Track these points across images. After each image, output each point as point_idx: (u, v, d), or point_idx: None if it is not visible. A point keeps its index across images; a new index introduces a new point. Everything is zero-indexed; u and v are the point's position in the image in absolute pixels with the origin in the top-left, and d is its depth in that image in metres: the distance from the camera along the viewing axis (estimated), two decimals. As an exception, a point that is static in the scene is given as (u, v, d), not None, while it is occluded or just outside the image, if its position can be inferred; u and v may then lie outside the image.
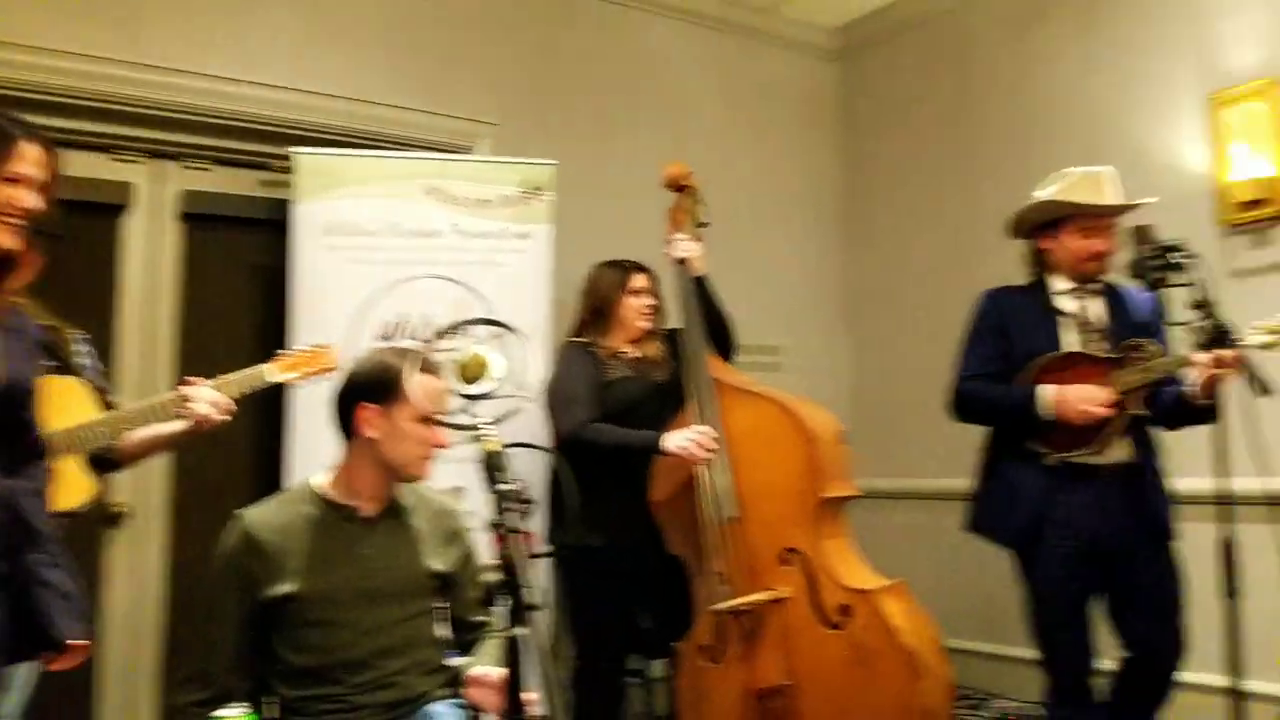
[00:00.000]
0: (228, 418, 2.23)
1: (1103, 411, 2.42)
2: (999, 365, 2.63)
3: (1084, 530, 2.49)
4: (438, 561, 2.11)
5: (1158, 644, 2.47)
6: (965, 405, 2.69)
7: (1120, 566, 2.51)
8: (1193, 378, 2.39)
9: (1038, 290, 2.67)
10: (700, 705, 2.71)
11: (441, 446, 2.03)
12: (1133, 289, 2.65)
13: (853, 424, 2.88)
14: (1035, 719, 3.66)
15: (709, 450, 2.70)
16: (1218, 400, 2.23)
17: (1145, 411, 2.45)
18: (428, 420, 1.99)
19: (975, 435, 4.29)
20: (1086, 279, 2.61)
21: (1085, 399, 2.43)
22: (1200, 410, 2.42)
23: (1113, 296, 2.66)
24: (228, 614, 1.97)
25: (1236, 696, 2.14)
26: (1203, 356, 2.29)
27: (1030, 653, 3.94)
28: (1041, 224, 2.66)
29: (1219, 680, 2.29)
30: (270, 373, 2.33)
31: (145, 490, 3.27)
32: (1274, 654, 2.75)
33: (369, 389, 2.01)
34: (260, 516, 2.02)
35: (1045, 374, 2.53)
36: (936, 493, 4.43)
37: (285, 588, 1.95)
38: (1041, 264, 2.68)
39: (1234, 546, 2.15)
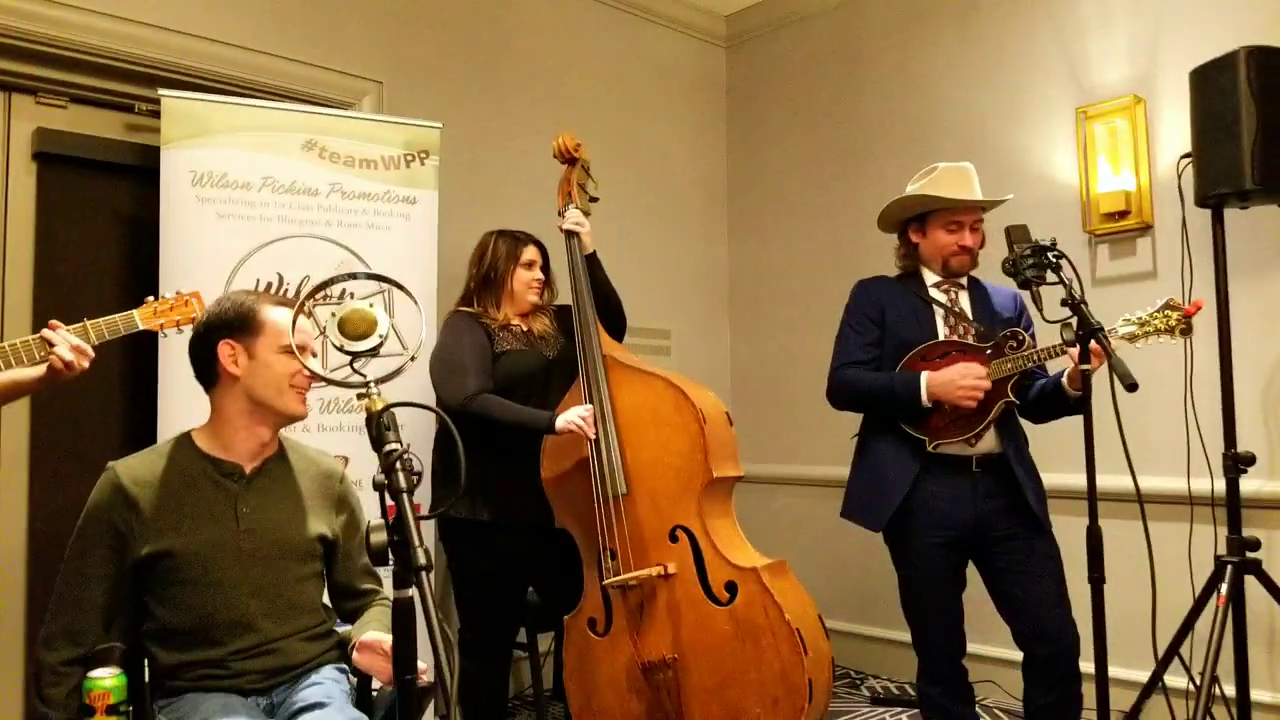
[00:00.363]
0: (86, 365, 2.12)
1: (983, 386, 2.49)
2: (874, 353, 2.70)
3: (953, 521, 2.57)
4: (321, 525, 2.04)
5: (1052, 633, 2.52)
6: (842, 392, 2.73)
7: (996, 556, 2.59)
8: (1068, 370, 2.51)
9: (910, 281, 2.75)
10: (586, 677, 2.70)
11: (311, 379, 1.97)
12: (995, 286, 2.78)
13: (732, 411, 2.91)
14: (906, 700, 3.82)
15: (592, 427, 2.69)
16: (1087, 393, 2.34)
17: (1015, 400, 2.54)
18: (290, 351, 1.92)
19: (851, 424, 4.45)
20: (953, 273, 2.71)
21: (966, 375, 2.50)
22: (1073, 402, 2.53)
23: (977, 290, 2.77)
24: (98, 571, 1.86)
25: (1102, 683, 2.24)
26: (1074, 349, 2.38)
27: (901, 634, 4.13)
28: (910, 218, 2.74)
29: (1087, 667, 2.39)
30: (139, 319, 2.25)
31: (5, 439, 3.06)
32: (1133, 641, 2.88)
33: (225, 326, 1.96)
34: (133, 469, 1.92)
35: (923, 362, 2.61)
36: (811, 479, 4.55)
37: (159, 545, 1.86)
38: (913, 256, 2.76)
39: (1100, 536, 2.24)
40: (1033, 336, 2.58)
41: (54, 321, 2.13)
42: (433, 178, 3.49)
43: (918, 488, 2.58)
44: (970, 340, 2.63)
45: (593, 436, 2.70)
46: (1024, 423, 2.74)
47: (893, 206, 2.75)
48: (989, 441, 2.59)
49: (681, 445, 2.68)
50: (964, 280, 2.75)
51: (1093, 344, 2.30)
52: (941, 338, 2.65)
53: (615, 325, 3.03)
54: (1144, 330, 2.42)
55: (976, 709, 2.77)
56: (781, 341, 4.77)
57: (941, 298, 2.69)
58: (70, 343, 2.09)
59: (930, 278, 2.73)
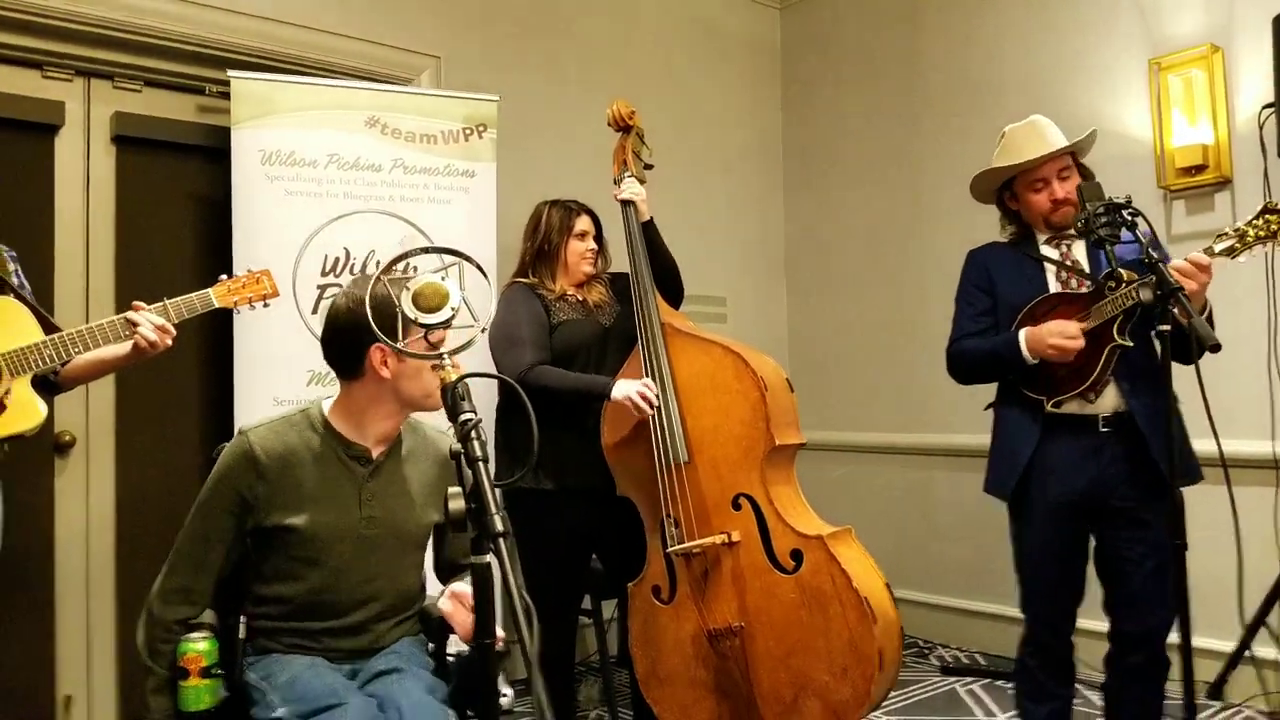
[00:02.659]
0: (169, 342, 2.23)
1: (1073, 343, 2.37)
2: (986, 321, 2.61)
3: (1071, 482, 2.46)
4: (435, 512, 2.05)
5: (1140, 610, 2.44)
6: (957, 366, 2.65)
7: (1107, 525, 2.49)
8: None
9: (1021, 242, 2.66)
10: (652, 644, 2.73)
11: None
12: (1147, 230, 2.47)
13: (790, 377, 2.89)
14: (976, 669, 3.81)
15: (651, 405, 2.69)
16: (1201, 324, 2.19)
17: (1128, 343, 2.36)
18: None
19: (912, 390, 4.40)
20: (1060, 226, 2.57)
21: (1053, 331, 2.40)
22: (1195, 336, 2.24)
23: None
24: (220, 535, 1.90)
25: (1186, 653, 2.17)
26: (1179, 264, 2.21)
27: (969, 603, 4.12)
28: (999, 188, 2.66)
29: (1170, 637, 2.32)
30: (215, 297, 2.34)
31: (91, 417, 3.20)
32: (1219, 610, 2.78)
33: (378, 329, 1.89)
34: (265, 439, 1.92)
35: (1032, 320, 2.51)
36: (874, 446, 4.53)
37: (283, 519, 1.88)
38: (1018, 221, 2.67)
39: (1181, 502, 2.16)
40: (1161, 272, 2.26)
41: (137, 303, 2.23)
42: (491, 150, 3.52)
43: (1040, 451, 2.49)
44: (1083, 291, 2.50)
45: (649, 414, 2.70)
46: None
47: (975, 185, 2.67)
48: (1111, 398, 2.44)
49: (743, 412, 2.67)
50: (1078, 228, 2.54)
51: (1191, 262, 2.20)
52: (1053, 292, 2.54)
53: (673, 293, 3.03)
54: (1244, 242, 2.24)
55: (1074, 689, 2.64)
56: (840, 306, 4.73)
57: (1053, 253, 2.58)
58: (153, 322, 2.20)
59: (1041, 236, 2.62)
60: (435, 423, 2.11)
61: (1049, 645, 2.56)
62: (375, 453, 1.98)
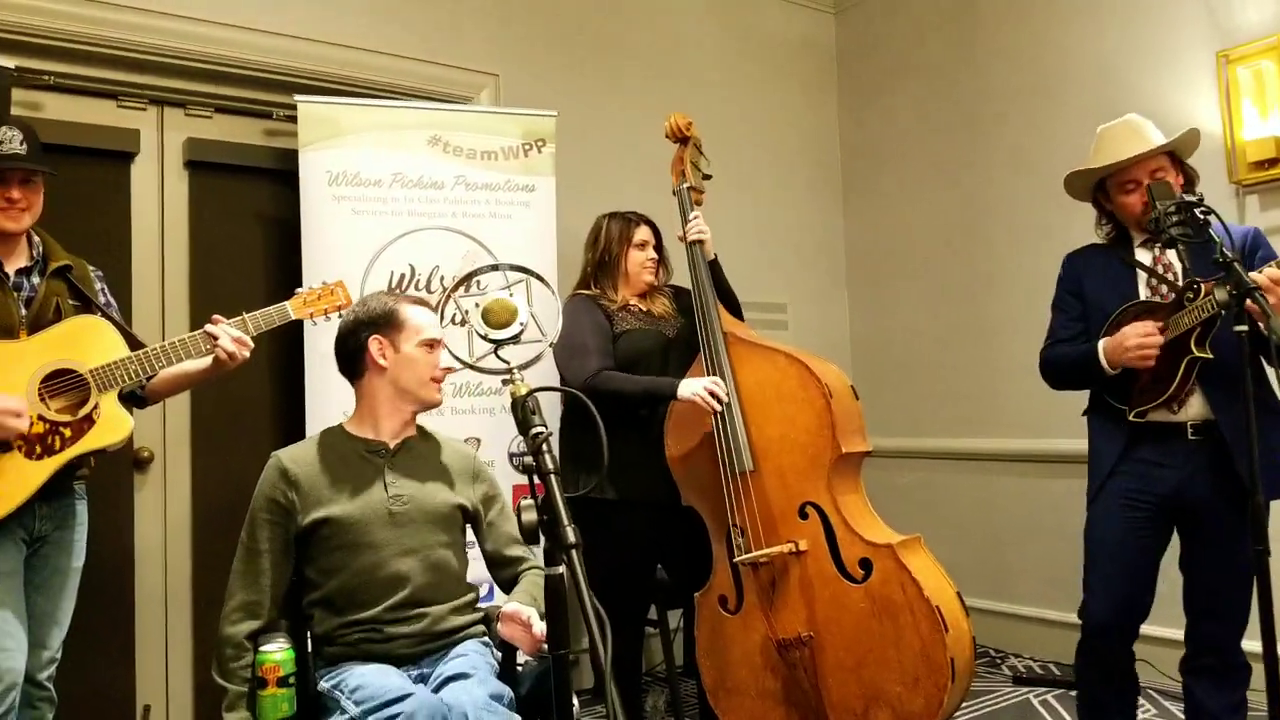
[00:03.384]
0: (246, 355, 2.34)
1: (1149, 343, 2.32)
2: (1078, 327, 2.57)
3: (1152, 487, 2.42)
4: (460, 496, 2.20)
5: (1215, 612, 2.41)
6: (1048, 373, 2.63)
7: (1193, 531, 2.45)
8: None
9: (1116, 246, 2.59)
10: (720, 655, 2.73)
11: (448, 370, 2.20)
12: (1220, 228, 2.38)
13: (854, 383, 2.87)
14: (1050, 679, 3.73)
15: (720, 401, 2.69)
16: (1244, 356, 2.16)
17: (1207, 355, 2.30)
18: (430, 345, 2.17)
19: (980, 394, 4.33)
20: (1149, 230, 2.48)
21: (1130, 336, 2.35)
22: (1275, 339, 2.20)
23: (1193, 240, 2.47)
24: (267, 546, 2.05)
25: (1271, 662, 2.10)
26: (1258, 277, 2.13)
27: (1041, 612, 4.04)
28: (1094, 188, 2.60)
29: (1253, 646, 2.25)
30: (291, 309, 2.44)
31: (169, 434, 3.31)
32: None
33: (373, 323, 2.16)
34: (292, 453, 2.14)
35: (1115, 329, 2.46)
36: (940, 452, 4.46)
37: (318, 513, 2.04)
38: (1114, 221, 2.60)
39: (1263, 506, 2.09)
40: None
41: (216, 316, 2.31)
42: (550, 165, 3.56)
43: (1125, 457, 2.45)
44: (1164, 301, 2.44)
45: (718, 409, 2.70)
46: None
47: (1069, 184, 2.62)
48: (1198, 407, 2.38)
49: (808, 421, 2.66)
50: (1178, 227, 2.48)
51: (1248, 303, 2.15)
52: (1143, 298, 2.48)
53: (733, 314, 3.03)
54: None
55: (1137, 702, 2.59)
56: (902, 310, 4.68)
57: (1146, 258, 2.52)
58: (231, 335, 2.30)
59: (1136, 238, 2.56)
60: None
61: (1101, 650, 2.49)
62: (392, 444, 2.18)
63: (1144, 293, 2.50)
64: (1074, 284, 2.61)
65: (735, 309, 3.02)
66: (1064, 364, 2.57)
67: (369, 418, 2.19)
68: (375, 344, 2.15)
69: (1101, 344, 2.44)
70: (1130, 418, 2.43)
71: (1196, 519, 2.42)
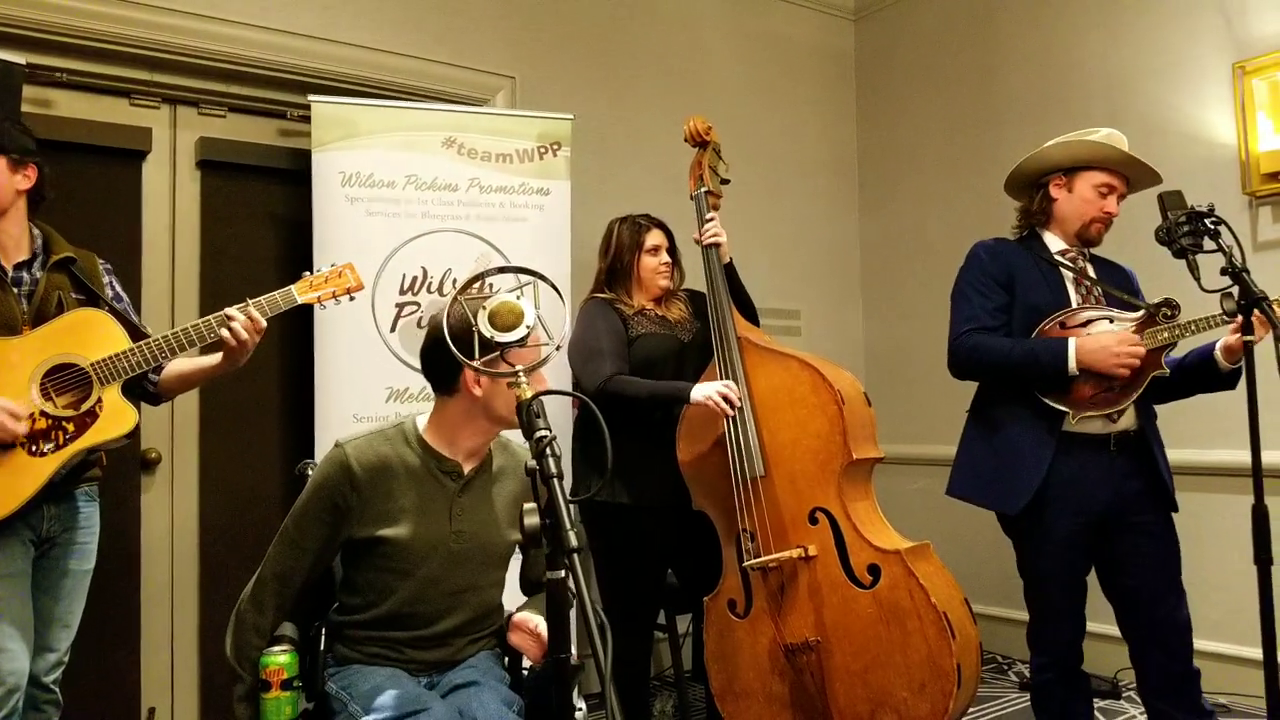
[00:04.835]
0: (258, 337, 2.28)
1: (1138, 359, 2.35)
2: (1002, 318, 2.54)
3: (1091, 503, 2.44)
4: (518, 531, 2.08)
5: (1158, 626, 2.43)
6: (969, 359, 2.56)
7: (1119, 543, 2.47)
8: (1225, 340, 2.35)
9: (1032, 244, 2.59)
10: (728, 659, 2.73)
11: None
12: (1108, 261, 2.60)
13: (867, 390, 2.87)
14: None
15: (733, 406, 2.69)
16: (1242, 366, 2.20)
17: (1165, 371, 2.38)
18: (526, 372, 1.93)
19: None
20: (1087, 241, 2.54)
21: (1122, 343, 2.36)
22: (1224, 375, 2.39)
23: (1099, 264, 2.60)
24: (314, 544, 1.92)
25: (1271, 671, 2.11)
26: (1236, 319, 2.20)
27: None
28: (1057, 169, 2.57)
29: (1254, 653, 2.27)
30: (297, 293, 2.35)
31: (176, 435, 3.31)
32: None
33: (461, 348, 1.92)
34: (361, 451, 1.94)
35: (1063, 330, 2.46)
36: (949, 459, 4.41)
37: (377, 530, 1.91)
38: (1041, 214, 2.60)
39: (1266, 516, 2.11)
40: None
41: (226, 310, 2.29)
42: (565, 168, 3.56)
43: (1055, 468, 2.43)
44: (1103, 308, 2.48)
45: (732, 414, 2.69)
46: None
47: (1050, 150, 2.57)
48: (1128, 418, 2.45)
49: (820, 426, 2.66)
50: (1087, 251, 2.59)
51: (1256, 314, 2.16)
52: (1075, 304, 2.50)
53: (749, 319, 3.03)
54: None
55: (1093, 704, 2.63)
56: (917, 318, 4.67)
57: (1068, 264, 2.54)
58: (242, 319, 2.25)
59: (1055, 243, 2.56)
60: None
61: (1072, 665, 2.53)
62: (467, 468, 2.00)
63: (1074, 296, 2.51)
64: (1003, 275, 2.56)
65: (751, 313, 3.02)
66: (1005, 354, 2.48)
67: (447, 432, 1.99)
68: (472, 374, 1.91)
69: (1074, 342, 2.41)
70: (1071, 423, 2.43)
71: (1123, 531, 2.46)
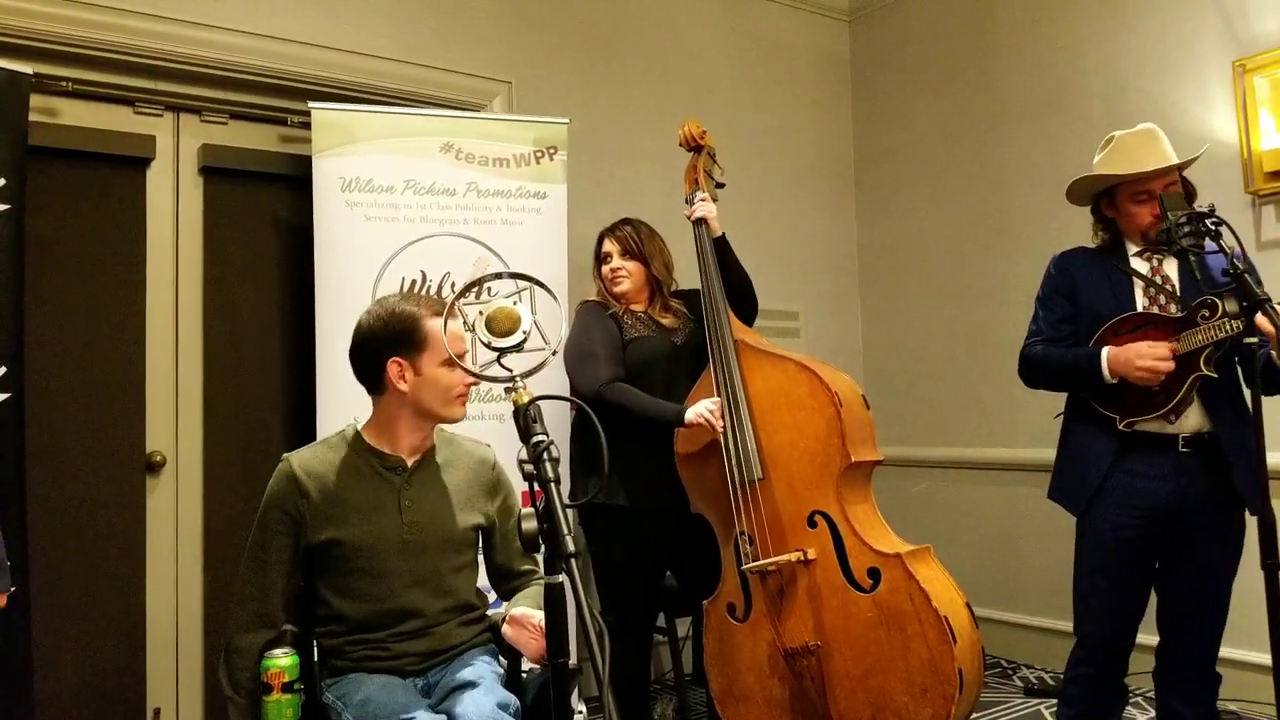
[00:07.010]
0: None
1: (1163, 367, 2.33)
2: (1066, 329, 2.57)
3: (1148, 501, 2.42)
4: (477, 514, 2.13)
5: (1195, 624, 2.42)
6: (1030, 371, 2.62)
7: (1177, 537, 2.44)
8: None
9: (1109, 252, 2.59)
10: (728, 662, 2.72)
11: (470, 385, 2.06)
12: (1214, 247, 2.40)
13: (865, 392, 2.86)
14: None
15: (720, 419, 2.69)
16: (1255, 368, 2.17)
17: (1213, 374, 2.32)
18: (452, 363, 1.97)
19: (993, 404, 4.31)
20: (1155, 242, 2.50)
21: (1143, 354, 2.35)
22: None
23: (1192, 255, 2.43)
24: (277, 556, 1.98)
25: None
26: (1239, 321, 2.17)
27: (1054, 623, 4.00)
28: (1099, 193, 2.59)
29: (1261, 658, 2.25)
30: None
31: (180, 438, 3.32)
32: None
33: (392, 342, 2.00)
34: (305, 460, 2.03)
35: (1115, 337, 2.46)
36: (953, 461, 4.44)
37: (330, 534, 1.96)
38: (1112, 229, 2.60)
39: (1273, 520, 2.08)
40: (1248, 297, 2.20)
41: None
42: (561, 172, 3.57)
43: (1116, 468, 2.45)
44: (1171, 311, 2.44)
45: (720, 429, 2.69)
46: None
47: (1076, 187, 2.60)
48: (1195, 419, 2.40)
49: (817, 429, 2.66)
50: (1165, 249, 2.51)
51: (1259, 317, 2.14)
52: (1140, 308, 2.48)
53: (747, 310, 3.02)
54: None
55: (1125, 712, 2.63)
56: (915, 319, 4.66)
57: (1143, 268, 2.52)
58: None
59: (1132, 248, 2.56)
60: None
61: (1102, 663, 2.52)
62: (410, 462, 2.07)
63: (1141, 302, 2.49)
64: (1067, 286, 2.60)
65: (747, 293, 3.01)
66: (1053, 364, 2.55)
67: (387, 432, 2.06)
68: (395, 367, 1.99)
69: (1107, 352, 2.42)
70: (1120, 427, 2.43)
71: (1185, 531, 2.43)
